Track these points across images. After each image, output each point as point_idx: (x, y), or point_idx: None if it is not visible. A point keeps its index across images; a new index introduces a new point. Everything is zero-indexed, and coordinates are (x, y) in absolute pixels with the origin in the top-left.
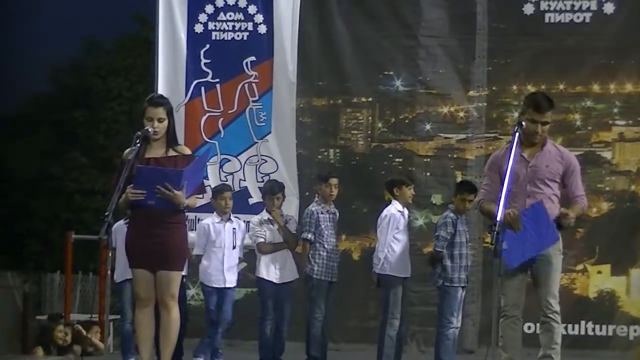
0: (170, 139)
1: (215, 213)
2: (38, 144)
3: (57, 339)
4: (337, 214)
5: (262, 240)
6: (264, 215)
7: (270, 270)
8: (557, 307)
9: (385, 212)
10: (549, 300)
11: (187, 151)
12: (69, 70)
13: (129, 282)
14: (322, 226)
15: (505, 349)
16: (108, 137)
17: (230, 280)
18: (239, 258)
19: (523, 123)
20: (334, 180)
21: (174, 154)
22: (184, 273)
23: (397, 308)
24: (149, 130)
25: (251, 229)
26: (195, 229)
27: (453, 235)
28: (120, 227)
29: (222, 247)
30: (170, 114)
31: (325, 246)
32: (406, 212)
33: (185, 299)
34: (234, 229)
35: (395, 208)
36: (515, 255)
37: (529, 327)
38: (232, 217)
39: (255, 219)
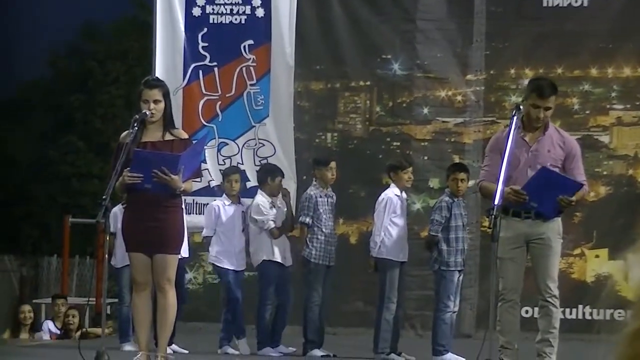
0: (167, 122)
1: (224, 195)
2: (36, 128)
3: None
4: (335, 198)
5: (273, 224)
6: (267, 197)
7: (279, 254)
8: (556, 291)
9: (382, 195)
10: (548, 284)
11: (184, 135)
12: (67, 55)
13: (129, 268)
14: (320, 210)
15: (503, 333)
16: (105, 121)
17: (242, 263)
18: (245, 241)
19: (521, 107)
20: (334, 164)
21: (171, 137)
22: (186, 256)
23: (393, 292)
24: (147, 113)
25: (260, 212)
26: (204, 213)
27: (448, 219)
28: (118, 212)
29: (234, 229)
30: (166, 96)
31: (323, 230)
32: (404, 195)
33: (183, 282)
34: (242, 211)
35: (392, 192)
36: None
37: (527, 311)
38: (240, 200)
39: (262, 201)
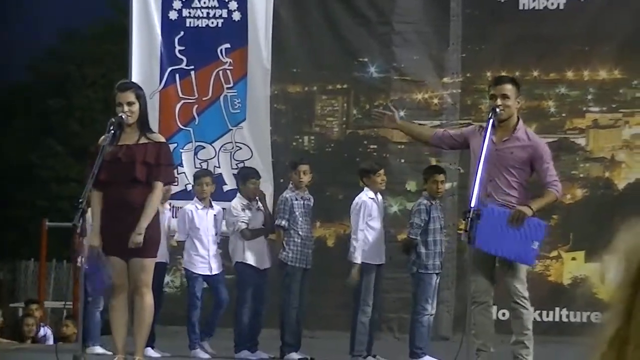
0: (143, 124)
1: (195, 199)
2: (16, 132)
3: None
4: (312, 201)
5: (245, 225)
6: (243, 200)
7: (253, 256)
8: (524, 293)
9: (356, 199)
10: (516, 286)
11: (160, 138)
12: (46, 59)
13: None
14: (297, 213)
15: (477, 336)
16: (84, 125)
17: (216, 267)
18: (217, 244)
19: (497, 109)
20: (303, 167)
21: (146, 141)
22: (165, 260)
23: (369, 295)
24: (122, 116)
25: (231, 214)
26: (177, 216)
27: (427, 222)
28: None
29: (206, 234)
30: (140, 97)
31: (300, 233)
32: (379, 198)
33: (161, 285)
34: (214, 215)
35: (366, 195)
36: (487, 241)
37: (503, 314)
38: (212, 204)
39: (235, 203)
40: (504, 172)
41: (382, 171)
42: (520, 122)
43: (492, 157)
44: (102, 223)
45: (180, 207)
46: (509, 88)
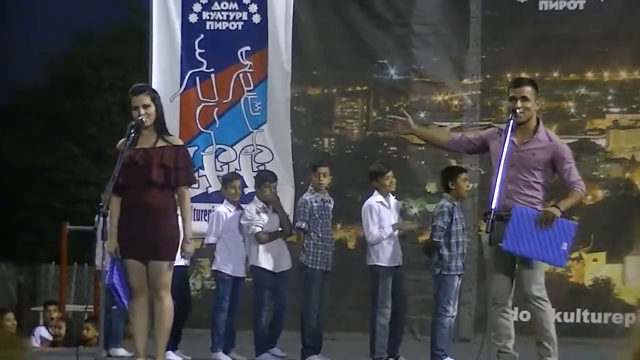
0: (159, 127)
1: (226, 201)
2: (32, 134)
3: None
4: (332, 203)
5: (260, 229)
6: (258, 203)
7: (268, 259)
8: (539, 293)
9: (365, 204)
10: (532, 287)
11: (178, 142)
12: (63, 61)
13: None
14: (317, 215)
15: (498, 338)
16: (101, 128)
17: (245, 269)
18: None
19: (517, 110)
20: (322, 169)
21: (163, 144)
22: (186, 263)
23: (387, 297)
24: (142, 119)
25: (247, 217)
26: (201, 219)
27: (450, 224)
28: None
29: (238, 236)
30: (155, 100)
31: (320, 235)
32: (392, 200)
33: (189, 289)
34: None
35: (374, 199)
36: (514, 242)
37: (524, 315)
38: (241, 207)
39: (250, 207)
40: (525, 173)
41: (390, 173)
42: (541, 123)
43: (514, 159)
44: (120, 226)
45: (205, 210)
46: (528, 90)
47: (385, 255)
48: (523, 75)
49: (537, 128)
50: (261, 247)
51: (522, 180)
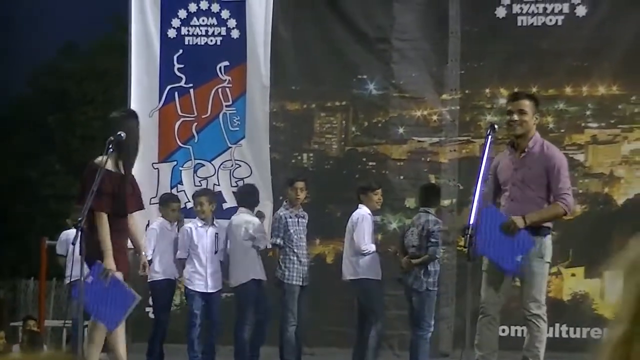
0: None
1: (197, 217)
2: (15, 147)
3: None
4: (307, 218)
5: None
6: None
7: (260, 272)
8: (536, 310)
9: (356, 215)
10: (528, 304)
11: None
12: (47, 74)
13: None
14: (291, 230)
15: (480, 348)
16: (84, 142)
17: (214, 285)
18: (220, 262)
19: (495, 126)
20: (299, 184)
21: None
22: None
23: (380, 309)
24: (121, 134)
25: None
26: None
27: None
28: (71, 233)
29: (204, 251)
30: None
31: (295, 250)
32: (373, 217)
33: (169, 305)
34: (216, 233)
35: (365, 211)
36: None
37: (503, 330)
38: (215, 222)
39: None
40: (525, 190)
41: (379, 190)
42: (537, 136)
43: (514, 177)
44: (118, 244)
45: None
46: (526, 104)
47: (374, 269)
48: (502, 91)
49: (535, 142)
50: (257, 260)
51: (525, 197)
